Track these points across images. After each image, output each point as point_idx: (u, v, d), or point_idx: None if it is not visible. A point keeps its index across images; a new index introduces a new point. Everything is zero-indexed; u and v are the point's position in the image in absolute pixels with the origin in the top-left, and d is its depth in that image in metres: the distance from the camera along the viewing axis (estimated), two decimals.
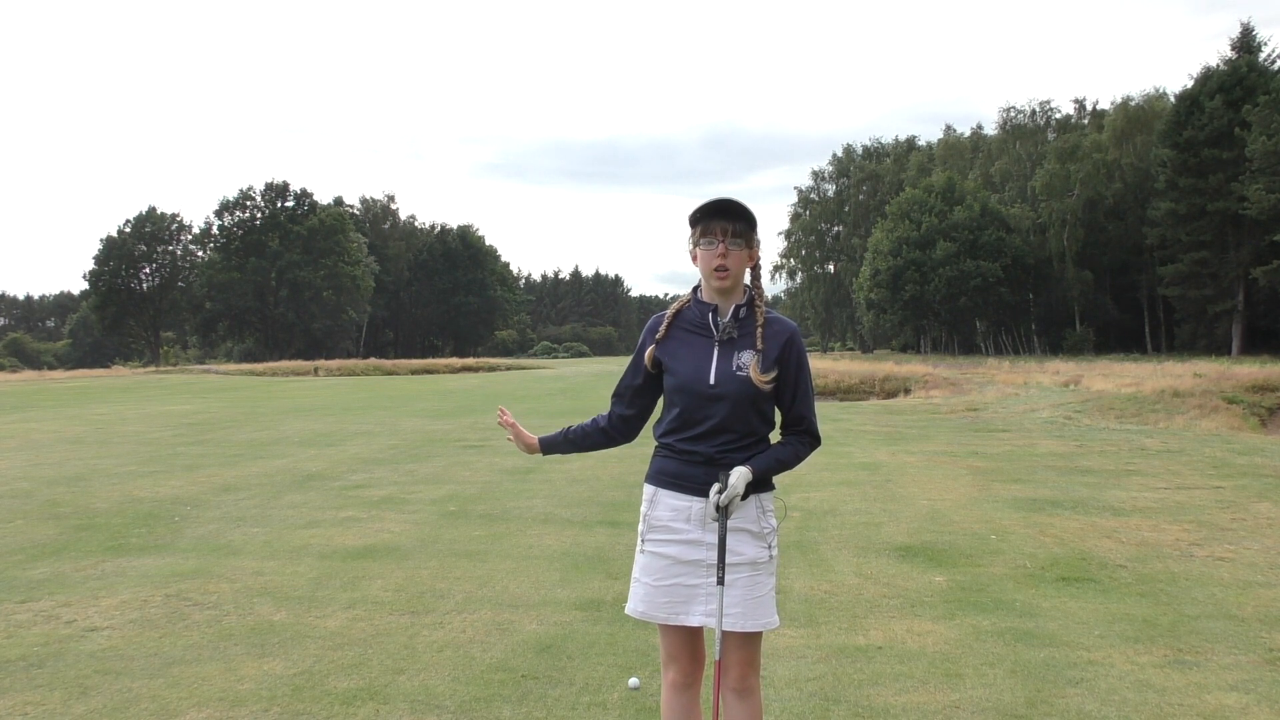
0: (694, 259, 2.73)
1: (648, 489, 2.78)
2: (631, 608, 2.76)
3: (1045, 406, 19.57)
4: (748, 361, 2.65)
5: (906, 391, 28.27)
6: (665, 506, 2.71)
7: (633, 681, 4.00)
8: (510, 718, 3.72)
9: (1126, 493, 8.81)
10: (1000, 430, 15.14)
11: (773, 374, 2.66)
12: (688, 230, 2.73)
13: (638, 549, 2.79)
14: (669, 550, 2.70)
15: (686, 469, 2.68)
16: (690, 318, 2.74)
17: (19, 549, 6.77)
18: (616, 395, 2.90)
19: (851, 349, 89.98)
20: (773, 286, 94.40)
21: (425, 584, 5.72)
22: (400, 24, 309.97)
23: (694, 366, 2.67)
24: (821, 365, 38.57)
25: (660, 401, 2.87)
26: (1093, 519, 7.56)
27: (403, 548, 6.74)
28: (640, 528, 2.79)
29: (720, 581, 2.62)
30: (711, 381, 2.64)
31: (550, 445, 2.97)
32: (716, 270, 2.64)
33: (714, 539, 2.64)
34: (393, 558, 6.42)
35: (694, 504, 2.67)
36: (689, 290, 2.82)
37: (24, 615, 5.11)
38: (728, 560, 2.65)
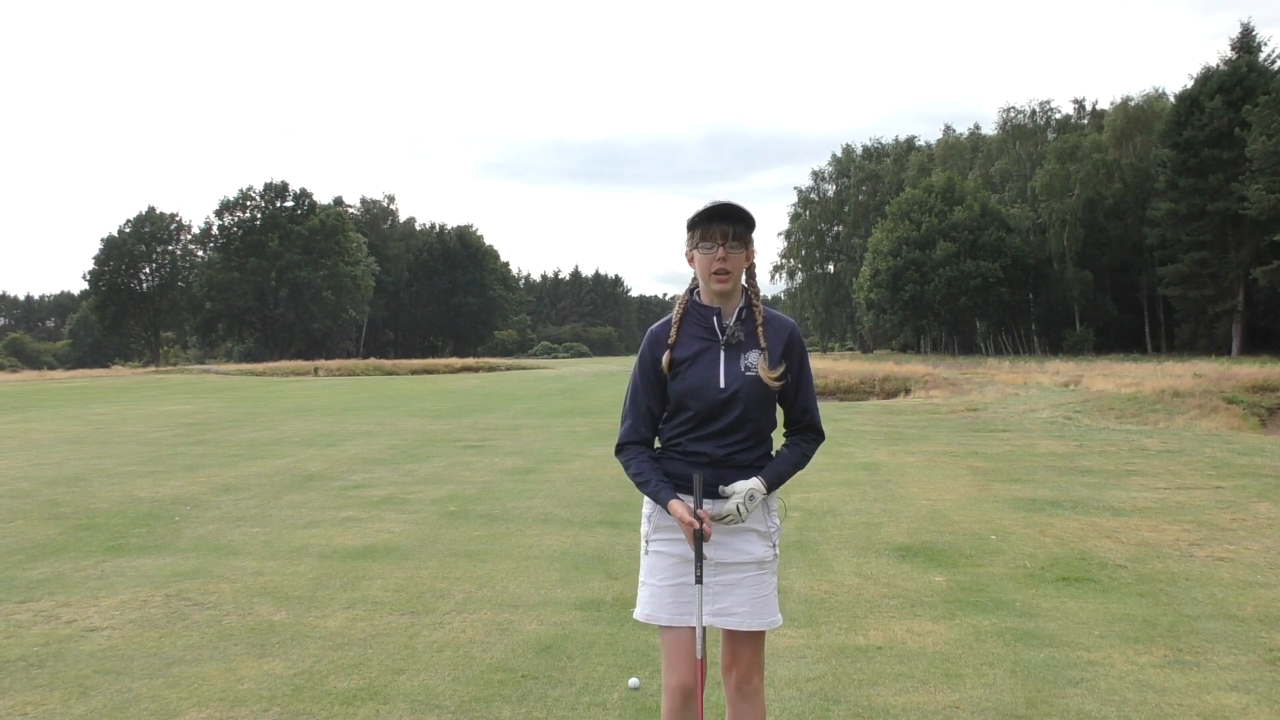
0: (690, 261, 2.73)
1: None
2: (639, 612, 2.73)
3: (1045, 406, 19.57)
4: (755, 361, 2.67)
5: (906, 391, 28.27)
6: None
7: (633, 682, 4.00)
8: (510, 718, 3.72)
9: (1126, 493, 8.81)
10: (1000, 430, 15.13)
11: (781, 369, 2.68)
12: (687, 231, 2.73)
13: (642, 551, 2.78)
14: (674, 549, 2.69)
15: (691, 470, 2.67)
16: (693, 322, 2.73)
17: (19, 549, 6.77)
18: (642, 418, 2.76)
19: (851, 349, 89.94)
20: (773, 286, 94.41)
21: (425, 584, 5.71)
22: (400, 24, 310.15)
23: (704, 371, 2.67)
24: (821, 365, 38.56)
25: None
26: (1093, 519, 7.56)
27: (403, 548, 6.74)
28: (644, 529, 2.78)
29: (698, 580, 2.62)
30: (722, 385, 2.65)
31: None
32: (716, 274, 2.64)
33: (718, 538, 2.66)
34: (393, 558, 6.42)
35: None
36: (684, 292, 2.80)
37: (24, 615, 5.11)
38: (735, 560, 2.68)
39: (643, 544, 2.77)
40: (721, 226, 2.63)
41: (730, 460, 2.66)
